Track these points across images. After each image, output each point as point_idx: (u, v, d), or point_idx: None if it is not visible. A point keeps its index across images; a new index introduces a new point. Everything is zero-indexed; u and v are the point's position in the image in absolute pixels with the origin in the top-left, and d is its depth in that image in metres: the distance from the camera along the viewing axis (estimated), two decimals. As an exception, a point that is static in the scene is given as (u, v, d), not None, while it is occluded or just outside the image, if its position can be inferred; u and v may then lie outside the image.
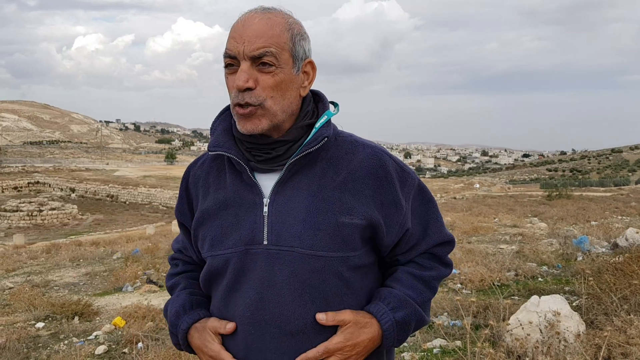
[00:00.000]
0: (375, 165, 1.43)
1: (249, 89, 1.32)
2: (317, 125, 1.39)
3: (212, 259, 1.43)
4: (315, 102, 1.48)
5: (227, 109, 1.50)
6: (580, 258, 8.56)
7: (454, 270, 7.97)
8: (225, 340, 1.43)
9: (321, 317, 1.35)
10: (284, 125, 1.39)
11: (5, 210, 38.48)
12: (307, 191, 1.38)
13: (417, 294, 1.48)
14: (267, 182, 1.41)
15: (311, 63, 1.41)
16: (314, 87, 1.48)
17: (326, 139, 1.38)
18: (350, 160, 1.42)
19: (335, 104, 1.48)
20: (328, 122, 1.42)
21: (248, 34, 1.31)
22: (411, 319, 1.44)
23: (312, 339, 1.36)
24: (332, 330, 1.38)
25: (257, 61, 1.31)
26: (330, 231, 1.35)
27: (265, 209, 1.38)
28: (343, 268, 1.38)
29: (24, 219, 37.78)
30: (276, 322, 1.35)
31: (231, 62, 1.35)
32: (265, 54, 1.30)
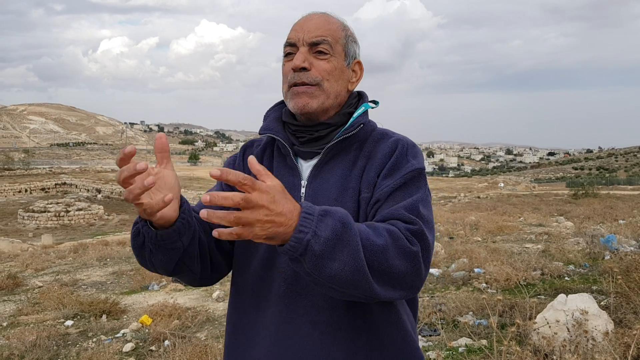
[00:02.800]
0: (392, 147, 1.50)
1: (304, 69, 1.47)
2: (355, 114, 1.52)
3: None
4: (358, 100, 1.61)
5: (281, 102, 1.65)
6: (608, 257, 8.44)
7: (478, 270, 7.94)
8: (259, 313, 1.48)
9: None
10: (330, 112, 1.53)
11: (34, 211, 39.11)
12: (340, 175, 1.48)
13: (360, 225, 1.25)
14: (307, 166, 1.53)
15: (359, 63, 1.59)
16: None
17: (362, 125, 1.50)
18: (376, 146, 1.52)
19: (376, 102, 1.61)
20: (365, 112, 1.54)
21: (308, 26, 1.50)
22: (340, 217, 1.17)
23: (344, 313, 1.41)
24: (361, 305, 1.39)
25: (314, 48, 1.48)
26: (353, 208, 1.44)
27: (303, 190, 1.50)
28: None
29: (51, 220, 38.36)
30: (310, 295, 1.42)
31: (290, 51, 1.51)
32: (322, 41, 1.48)
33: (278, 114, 1.60)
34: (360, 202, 1.44)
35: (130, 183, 1.17)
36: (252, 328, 1.51)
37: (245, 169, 1.61)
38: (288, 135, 1.55)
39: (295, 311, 1.42)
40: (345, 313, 1.41)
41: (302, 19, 1.54)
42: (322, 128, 1.51)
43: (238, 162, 1.68)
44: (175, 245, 1.33)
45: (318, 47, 1.47)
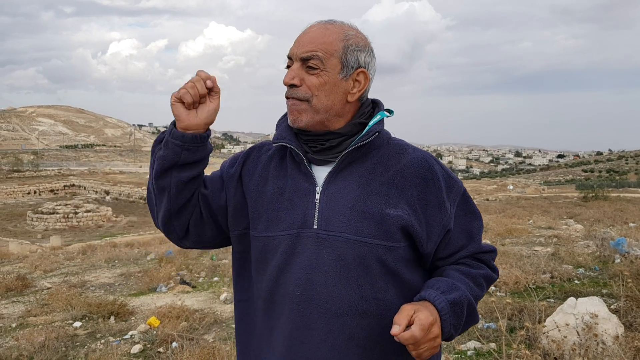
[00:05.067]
0: (423, 167, 1.53)
1: (294, 86, 1.50)
2: (370, 122, 1.53)
3: (267, 239, 1.53)
4: (373, 108, 1.61)
5: None
6: (618, 260, 8.38)
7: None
8: (275, 318, 1.51)
9: (395, 330, 1.31)
10: (330, 124, 1.53)
11: (42, 213, 39.34)
12: (357, 182, 1.50)
13: (466, 285, 1.50)
14: (321, 174, 1.54)
15: (364, 73, 1.54)
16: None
17: (377, 133, 1.51)
18: (399, 160, 1.54)
19: (390, 111, 1.61)
20: (381, 121, 1.55)
21: (304, 40, 1.51)
22: (463, 302, 1.44)
23: (358, 322, 1.44)
24: (377, 313, 1.45)
25: (306, 63, 1.49)
26: (375, 220, 1.45)
27: (317, 196, 1.51)
28: (388, 257, 1.46)
29: (60, 221, 38.57)
30: (323, 302, 1.44)
31: (289, 64, 1.54)
32: (312, 56, 1.48)
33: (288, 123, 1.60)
34: (386, 215, 1.45)
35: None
36: (266, 331, 1.54)
37: (245, 174, 1.63)
38: (301, 143, 1.55)
39: (308, 317, 1.45)
40: (358, 322, 1.44)
41: (303, 31, 1.54)
42: (332, 137, 1.52)
43: (237, 165, 1.67)
44: (198, 155, 1.51)
45: (308, 63, 1.48)
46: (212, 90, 1.49)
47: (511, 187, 61.00)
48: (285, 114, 1.62)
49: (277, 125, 1.63)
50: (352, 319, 1.44)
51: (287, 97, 1.53)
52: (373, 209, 1.45)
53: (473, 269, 1.57)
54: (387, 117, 1.58)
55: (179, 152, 1.49)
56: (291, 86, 1.50)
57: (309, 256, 1.46)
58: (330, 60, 1.48)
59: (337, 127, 1.53)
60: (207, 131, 1.53)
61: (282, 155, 1.62)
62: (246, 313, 1.62)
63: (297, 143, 1.54)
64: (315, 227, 1.47)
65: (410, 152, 1.56)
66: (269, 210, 1.54)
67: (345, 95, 1.52)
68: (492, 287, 7.19)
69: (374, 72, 1.58)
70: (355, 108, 1.56)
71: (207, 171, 1.67)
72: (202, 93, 1.47)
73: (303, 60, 1.49)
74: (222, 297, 8.47)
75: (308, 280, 1.45)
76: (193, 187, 1.57)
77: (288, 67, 1.54)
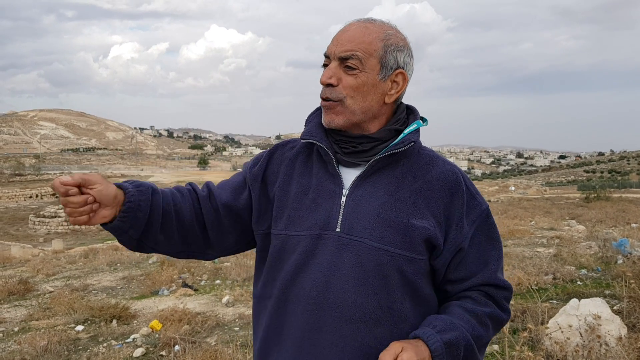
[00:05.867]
0: (451, 180, 1.51)
1: (330, 85, 1.46)
2: (406, 131, 1.50)
3: (286, 237, 1.51)
4: (408, 114, 1.58)
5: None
6: (621, 261, 8.36)
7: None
8: (287, 317, 1.49)
9: None
10: (366, 126, 1.50)
11: (44, 216, 39.34)
12: (384, 189, 1.47)
13: (468, 325, 1.45)
14: (349, 176, 1.50)
15: (403, 74, 1.50)
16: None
17: (412, 143, 1.47)
18: (428, 171, 1.51)
19: (425, 119, 1.57)
20: (416, 130, 1.52)
21: (342, 38, 1.46)
22: (459, 342, 1.40)
23: (371, 329, 1.42)
24: (390, 323, 1.43)
25: (344, 62, 1.45)
26: (400, 229, 1.43)
27: (343, 199, 1.48)
28: (409, 268, 1.44)
29: (62, 225, 38.55)
30: (338, 306, 1.42)
31: (326, 62, 1.49)
32: (351, 56, 1.44)
33: (319, 120, 1.57)
34: (411, 226, 1.42)
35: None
36: (276, 329, 1.52)
37: (270, 173, 1.60)
38: (331, 142, 1.52)
39: (322, 319, 1.43)
40: (371, 330, 1.42)
41: (341, 29, 1.50)
42: (365, 141, 1.49)
43: (260, 165, 1.63)
44: (124, 237, 1.46)
45: (347, 62, 1.44)
46: (81, 187, 1.32)
47: (513, 188, 60.96)
48: (316, 110, 1.60)
49: (306, 121, 1.60)
50: (365, 326, 1.41)
51: (322, 98, 1.49)
52: (399, 218, 1.43)
53: (479, 307, 1.50)
54: (422, 126, 1.54)
55: (125, 231, 1.43)
56: (328, 85, 1.46)
57: (329, 259, 1.43)
58: (369, 60, 1.44)
59: (372, 130, 1.50)
60: (125, 205, 1.40)
61: (309, 153, 1.59)
62: (263, 308, 1.59)
63: (327, 142, 1.51)
64: (338, 230, 1.44)
65: (440, 164, 1.53)
66: (291, 209, 1.52)
67: (383, 96, 1.49)
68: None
69: (412, 73, 1.54)
70: (391, 110, 1.53)
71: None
72: (80, 203, 1.31)
73: (341, 59, 1.45)
74: (224, 300, 8.47)
75: (326, 283, 1.42)
76: (168, 222, 1.52)
77: (324, 65, 1.49)
